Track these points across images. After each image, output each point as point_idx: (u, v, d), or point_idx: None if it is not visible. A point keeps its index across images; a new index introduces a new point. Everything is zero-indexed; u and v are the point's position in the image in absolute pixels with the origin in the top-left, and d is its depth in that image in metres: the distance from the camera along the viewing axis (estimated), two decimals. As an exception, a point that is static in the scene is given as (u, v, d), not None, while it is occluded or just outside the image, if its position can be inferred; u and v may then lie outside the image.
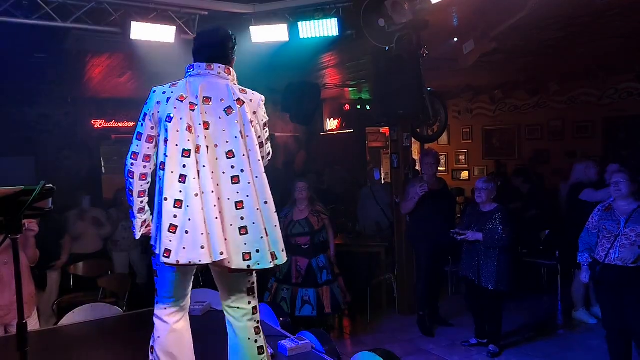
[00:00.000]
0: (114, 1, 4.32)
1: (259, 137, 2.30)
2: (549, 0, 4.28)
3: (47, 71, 6.40)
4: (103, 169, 9.20)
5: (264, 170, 2.25)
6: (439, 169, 6.36)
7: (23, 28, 4.34)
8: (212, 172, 2.13)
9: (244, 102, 2.23)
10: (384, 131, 10.35)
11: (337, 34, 4.86)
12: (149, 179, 2.29)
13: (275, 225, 2.23)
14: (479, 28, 5.34)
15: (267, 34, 4.93)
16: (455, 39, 5.61)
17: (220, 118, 2.18)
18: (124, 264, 6.04)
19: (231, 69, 2.31)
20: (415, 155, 8.03)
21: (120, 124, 9.09)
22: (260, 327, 2.35)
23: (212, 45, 2.31)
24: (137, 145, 2.26)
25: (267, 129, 2.38)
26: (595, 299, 5.28)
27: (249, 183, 2.16)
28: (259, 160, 2.23)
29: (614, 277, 3.48)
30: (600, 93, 8.26)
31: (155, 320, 2.33)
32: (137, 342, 3.31)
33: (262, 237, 2.14)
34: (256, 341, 2.30)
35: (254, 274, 2.33)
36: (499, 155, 9.77)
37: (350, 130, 10.32)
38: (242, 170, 2.15)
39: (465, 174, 10.55)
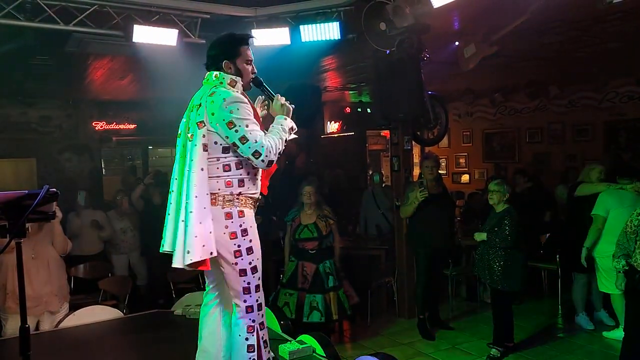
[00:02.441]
0: (117, 4, 4.34)
1: (226, 137, 2.33)
2: (550, 5, 4.30)
3: (49, 73, 6.42)
4: (104, 170, 9.22)
5: (199, 176, 2.34)
6: (439, 171, 6.36)
7: (25, 30, 4.36)
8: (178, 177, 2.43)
9: (200, 105, 2.39)
10: (384, 134, 10.37)
11: (339, 38, 4.88)
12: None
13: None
14: (480, 32, 5.35)
15: (268, 37, 4.95)
16: (457, 43, 5.62)
17: (195, 123, 2.40)
18: (124, 266, 6.04)
19: (219, 73, 2.46)
20: (416, 159, 8.04)
21: (122, 126, 9.11)
22: (256, 327, 2.43)
23: (207, 55, 2.55)
24: None
25: (237, 127, 2.29)
26: (594, 303, 5.30)
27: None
28: (201, 169, 2.36)
29: None
30: (601, 96, 8.27)
31: None
32: (138, 345, 3.33)
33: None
34: (247, 339, 2.41)
35: (250, 275, 2.41)
36: (499, 159, 9.77)
37: (350, 133, 10.33)
38: (189, 171, 2.38)
39: (465, 177, 10.56)
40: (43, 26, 4.27)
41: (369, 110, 10.09)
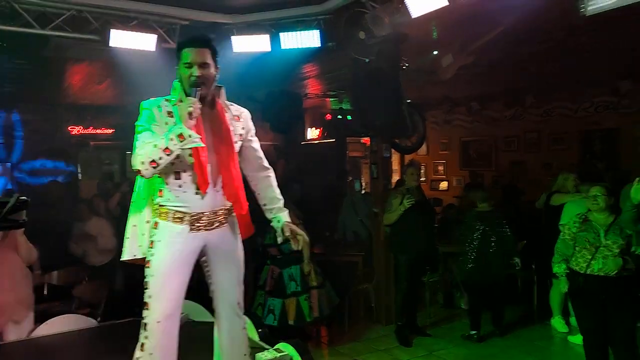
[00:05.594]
0: (94, 9, 4.30)
1: None
2: (526, 16, 4.39)
3: (25, 77, 6.32)
4: (79, 175, 9.08)
5: (139, 182, 2.49)
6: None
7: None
8: None
9: None
10: (364, 141, 10.41)
11: (319, 45, 4.91)
12: None
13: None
14: (457, 42, 5.44)
15: (248, 44, 4.96)
16: (435, 52, 5.70)
17: None
18: (101, 272, 5.95)
19: None
20: (395, 166, 8.09)
21: (99, 131, 9.00)
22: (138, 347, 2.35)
23: None
24: None
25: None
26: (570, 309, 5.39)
27: None
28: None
29: (596, 287, 3.53)
30: (576, 106, 8.44)
31: None
32: (111, 355, 3.27)
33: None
34: None
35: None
36: (476, 166, 9.90)
37: (331, 140, 10.35)
38: None
39: (444, 184, 10.66)
40: (20, 30, 4.22)
41: (349, 118, 10.13)
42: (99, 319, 4.30)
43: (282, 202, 2.61)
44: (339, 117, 9.98)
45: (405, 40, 4.81)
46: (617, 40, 5.40)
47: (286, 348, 3.18)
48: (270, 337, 3.60)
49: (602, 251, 3.51)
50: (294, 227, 2.53)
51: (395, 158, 8.12)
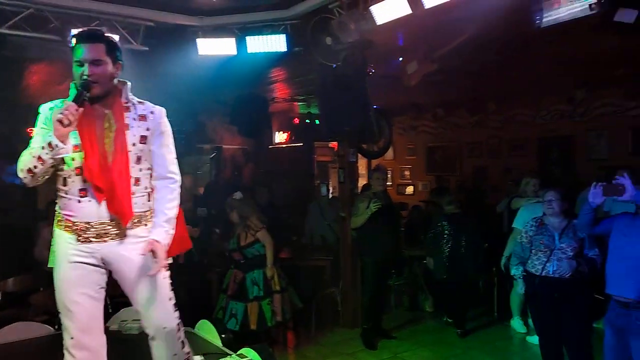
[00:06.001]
0: (54, 9, 4.21)
1: None
2: (486, 27, 4.51)
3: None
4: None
5: None
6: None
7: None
8: None
9: None
10: (332, 145, 10.46)
11: (286, 50, 4.93)
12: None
13: None
14: (422, 49, 5.55)
15: (214, 47, 4.94)
16: (401, 59, 5.80)
17: None
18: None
19: None
20: (362, 170, 8.16)
21: (60, 133, 8.74)
22: None
23: None
24: None
25: None
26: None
27: None
28: None
29: (551, 289, 3.64)
30: (535, 114, 8.71)
31: None
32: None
33: None
34: None
35: None
36: (441, 171, 10.08)
37: (299, 144, 10.36)
38: None
39: (410, 189, 10.82)
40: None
41: (317, 122, 10.17)
42: (56, 326, 4.17)
43: (165, 218, 2.29)
44: (307, 121, 10.01)
45: (369, 46, 4.88)
46: (572, 51, 5.61)
47: (249, 353, 3.16)
48: (234, 342, 3.58)
49: (557, 254, 3.63)
50: (158, 248, 2.21)
51: (362, 163, 8.17)
